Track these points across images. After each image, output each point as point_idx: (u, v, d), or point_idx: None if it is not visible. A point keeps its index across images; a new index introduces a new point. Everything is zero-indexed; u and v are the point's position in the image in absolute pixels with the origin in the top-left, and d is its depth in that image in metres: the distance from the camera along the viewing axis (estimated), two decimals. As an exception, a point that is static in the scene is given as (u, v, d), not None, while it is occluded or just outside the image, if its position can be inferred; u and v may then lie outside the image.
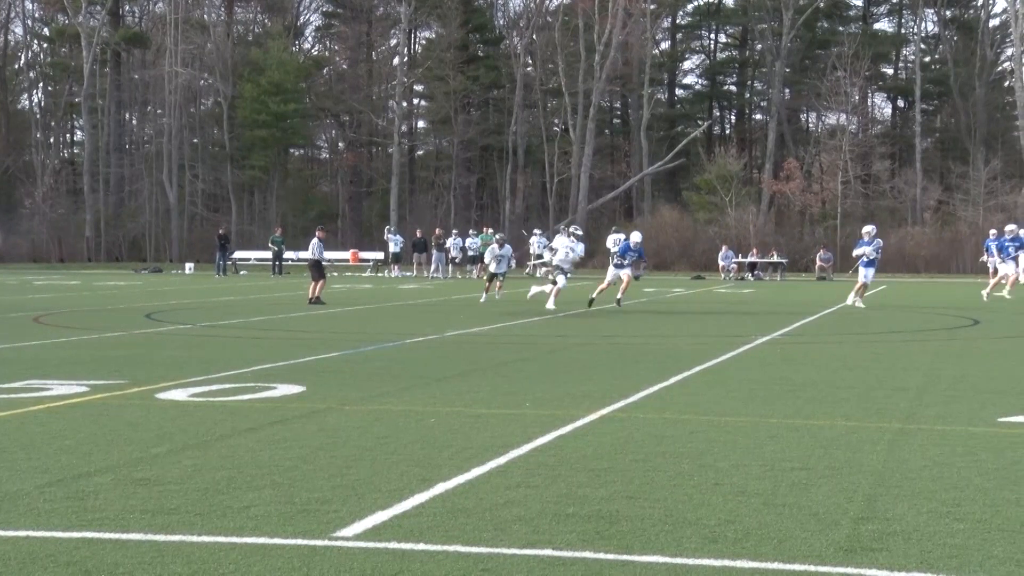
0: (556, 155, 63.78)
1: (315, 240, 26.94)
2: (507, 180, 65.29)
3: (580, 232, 26.09)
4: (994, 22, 66.25)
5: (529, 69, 66.36)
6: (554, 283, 23.57)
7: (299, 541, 5.44)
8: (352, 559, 5.15)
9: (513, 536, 5.57)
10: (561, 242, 25.32)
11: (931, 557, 5.22)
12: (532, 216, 64.46)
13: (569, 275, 24.33)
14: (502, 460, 7.44)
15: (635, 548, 5.37)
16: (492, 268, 26.94)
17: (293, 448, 7.79)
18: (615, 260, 24.41)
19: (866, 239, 25.05)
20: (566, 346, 15.98)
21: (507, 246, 27.81)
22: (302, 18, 76.80)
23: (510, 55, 66.80)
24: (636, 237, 25.05)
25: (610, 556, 5.24)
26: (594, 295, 23.47)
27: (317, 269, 26.10)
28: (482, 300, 26.33)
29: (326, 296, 26.50)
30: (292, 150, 74.50)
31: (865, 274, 24.78)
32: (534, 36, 65.38)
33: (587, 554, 5.27)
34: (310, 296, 25.55)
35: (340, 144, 73.85)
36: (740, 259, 47.03)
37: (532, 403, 10.04)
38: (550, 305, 23.05)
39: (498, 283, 27.07)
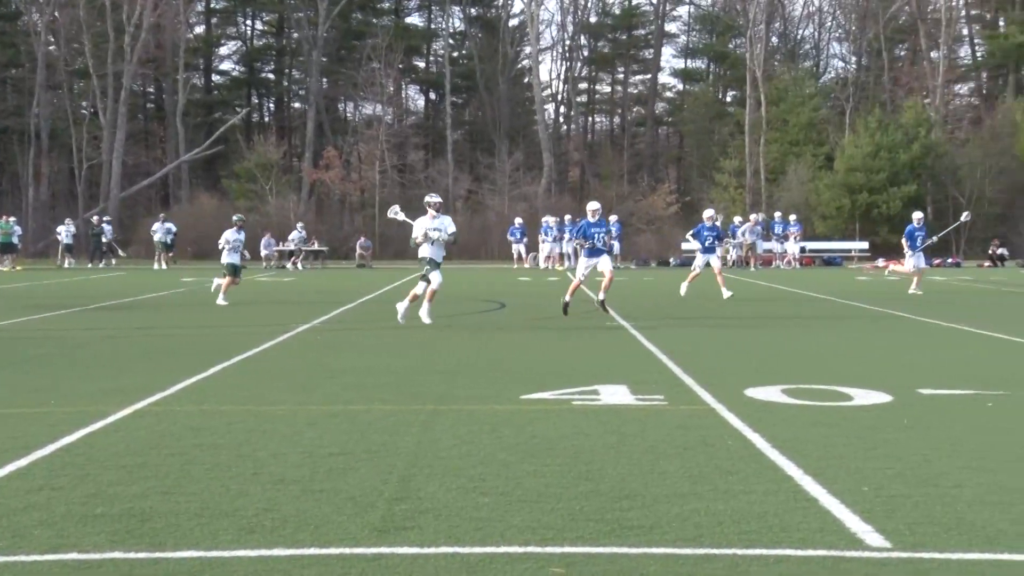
0: (85, 139, 60.53)
1: None
2: (30, 165, 61.10)
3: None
4: (513, 22, 70.56)
5: (52, 48, 62.46)
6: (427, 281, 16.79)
7: None
8: None
9: (34, 542, 5.25)
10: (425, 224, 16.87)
11: (458, 532, 5.49)
12: (59, 204, 60.80)
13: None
14: (23, 462, 6.98)
15: (168, 544, 5.23)
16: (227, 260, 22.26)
17: None
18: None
19: (707, 224, 23.97)
20: (97, 339, 15.24)
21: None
22: None
23: (29, 32, 62.51)
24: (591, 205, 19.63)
25: (141, 555, 5.07)
26: (567, 297, 18.78)
27: None
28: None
29: None
30: None
31: (704, 261, 23.84)
32: (56, 13, 61.54)
33: (116, 554, 5.07)
34: None
35: None
36: (281, 247, 46.89)
37: (58, 400, 9.49)
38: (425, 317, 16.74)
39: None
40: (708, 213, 24.65)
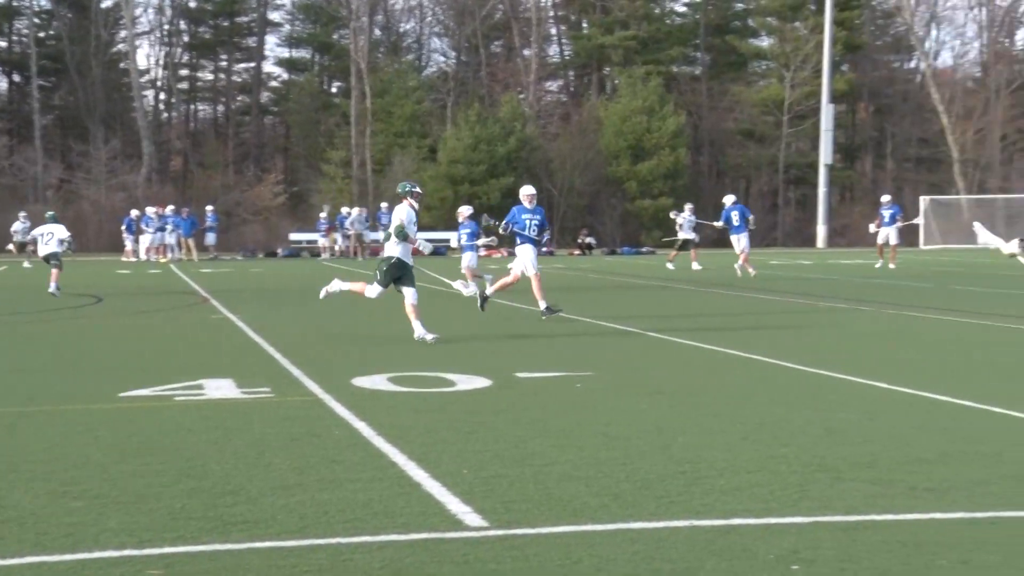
0: None
1: None
2: None
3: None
4: (107, 3, 67.22)
5: None
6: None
7: None
8: None
9: None
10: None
11: (46, 539, 5.18)
12: None
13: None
14: None
15: None
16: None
17: None
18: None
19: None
20: None
21: None
22: None
23: None
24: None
25: None
26: (489, 292, 17.19)
27: None
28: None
29: None
30: None
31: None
32: None
33: None
34: None
35: None
36: None
37: None
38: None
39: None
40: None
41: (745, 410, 8.61)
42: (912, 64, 71.21)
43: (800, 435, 7.58)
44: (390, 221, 14.08)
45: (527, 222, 16.44)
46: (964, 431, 7.76)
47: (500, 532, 5.31)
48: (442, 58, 73.25)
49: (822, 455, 6.91)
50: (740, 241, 27.51)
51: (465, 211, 22.05)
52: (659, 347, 13.17)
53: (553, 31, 72.23)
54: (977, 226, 10.83)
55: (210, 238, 44.35)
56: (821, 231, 56.15)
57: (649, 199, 57.78)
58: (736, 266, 27.21)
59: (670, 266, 30.75)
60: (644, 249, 51.87)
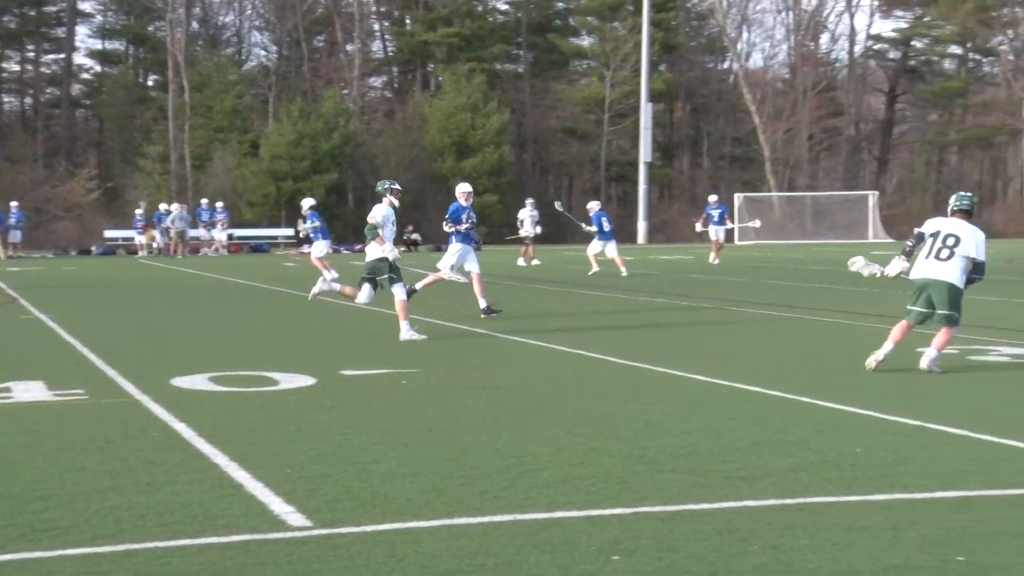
0: None
1: None
2: None
3: None
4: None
5: None
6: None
7: None
8: None
9: None
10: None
11: None
12: None
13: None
14: None
15: None
16: None
17: None
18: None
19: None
20: None
21: None
22: None
23: None
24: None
25: None
26: (419, 286, 16.13)
27: None
28: None
29: None
30: None
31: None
32: None
33: None
34: None
35: None
36: None
37: None
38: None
39: None
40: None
41: (570, 404, 8.75)
42: (725, 65, 73.47)
43: (623, 428, 7.75)
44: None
45: (464, 220, 16.40)
46: (774, 421, 8.06)
47: (324, 531, 5.27)
48: (263, 52, 72.03)
49: (643, 447, 7.08)
50: (603, 245, 27.63)
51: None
52: (486, 343, 13.25)
53: (376, 27, 71.85)
54: (856, 262, 11.08)
55: (15, 236, 42.53)
56: (642, 227, 57.42)
57: (474, 196, 58.02)
58: (593, 267, 27.05)
59: (524, 262, 31.15)
60: (469, 245, 52.10)
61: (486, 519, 5.46)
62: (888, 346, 10.30)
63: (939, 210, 73.72)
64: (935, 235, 10.44)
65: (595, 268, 26.72)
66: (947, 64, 74.55)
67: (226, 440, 7.28)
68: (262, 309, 18.37)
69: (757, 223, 39.56)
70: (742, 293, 20.61)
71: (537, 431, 7.65)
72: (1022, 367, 10.18)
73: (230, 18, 71.35)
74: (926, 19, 71.48)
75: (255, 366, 10.87)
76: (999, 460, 6.74)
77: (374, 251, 13.43)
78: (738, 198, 56.72)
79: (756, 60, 75.57)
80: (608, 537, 5.16)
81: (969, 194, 10.93)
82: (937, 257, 10.31)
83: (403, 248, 50.09)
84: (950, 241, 10.32)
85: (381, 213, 13.44)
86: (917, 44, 73.77)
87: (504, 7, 71.89)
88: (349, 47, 66.74)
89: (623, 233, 62.03)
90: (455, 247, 16.29)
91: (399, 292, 13.42)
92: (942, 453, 6.91)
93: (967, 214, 10.54)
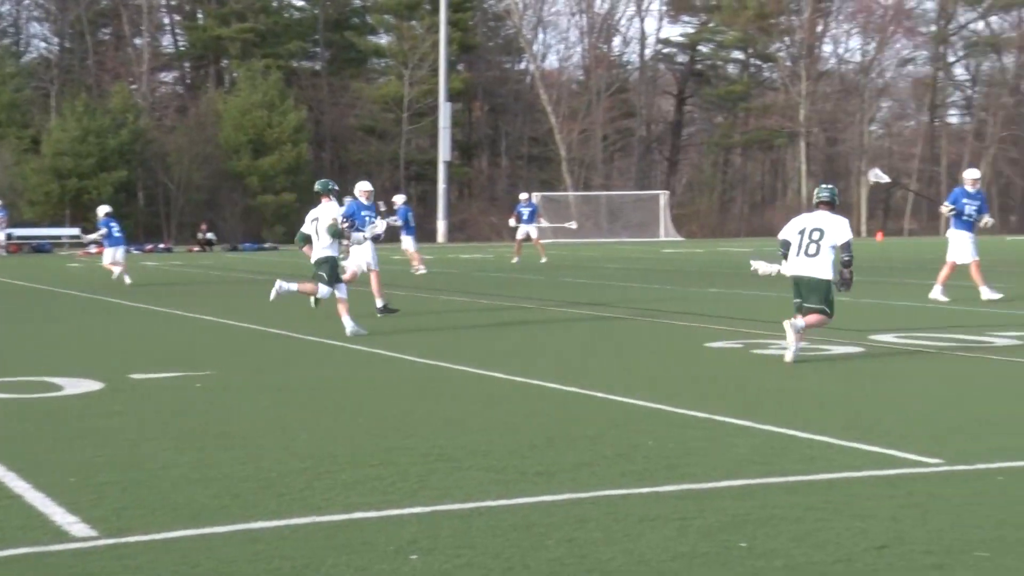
0: None
1: None
2: None
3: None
4: None
5: None
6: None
7: None
8: None
9: None
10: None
11: None
12: None
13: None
14: None
15: None
16: None
17: None
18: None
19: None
20: None
21: None
22: None
23: None
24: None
25: None
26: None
27: None
28: None
29: None
30: None
31: None
32: None
33: None
34: None
35: None
36: None
37: None
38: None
39: None
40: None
41: (370, 404, 8.70)
42: (522, 65, 74.46)
43: (422, 426, 7.74)
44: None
45: (366, 219, 16.22)
46: (570, 416, 8.20)
47: (110, 541, 5.07)
48: (43, 44, 68.93)
49: (442, 445, 7.09)
50: (410, 242, 27.39)
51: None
52: (281, 344, 13.04)
53: (167, 20, 69.79)
54: (760, 266, 11.61)
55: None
56: (441, 226, 57.60)
57: (271, 194, 57.08)
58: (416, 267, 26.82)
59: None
60: (267, 245, 51.26)
61: (283, 522, 5.36)
62: (795, 343, 10.66)
63: (725, 209, 76.12)
64: (802, 232, 10.91)
65: (422, 269, 26.59)
66: (731, 68, 77.51)
67: (4, 450, 6.93)
68: (44, 312, 17.60)
69: (574, 224, 40.03)
70: (540, 292, 20.92)
71: (336, 432, 7.56)
72: (802, 360, 10.65)
73: (6, 7, 67.98)
74: (711, 25, 74.19)
75: (36, 372, 10.39)
76: (780, 449, 7.03)
77: (319, 251, 13.62)
78: (536, 197, 57.50)
79: (552, 61, 76.81)
80: (406, 536, 5.14)
81: (830, 185, 11.45)
82: (806, 253, 10.81)
83: (196, 247, 48.83)
84: (816, 235, 10.81)
85: (339, 211, 13.91)
86: (703, 49, 76.49)
87: (300, 3, 70.95)
88: (137, 41, 64.59)
89: (423, 232, 62.17)
90: (364, 246, 15.88)
91: (323, 291, 13.65)
92: (727, 444, 7.17)
93: (829, 205, 11.02)
